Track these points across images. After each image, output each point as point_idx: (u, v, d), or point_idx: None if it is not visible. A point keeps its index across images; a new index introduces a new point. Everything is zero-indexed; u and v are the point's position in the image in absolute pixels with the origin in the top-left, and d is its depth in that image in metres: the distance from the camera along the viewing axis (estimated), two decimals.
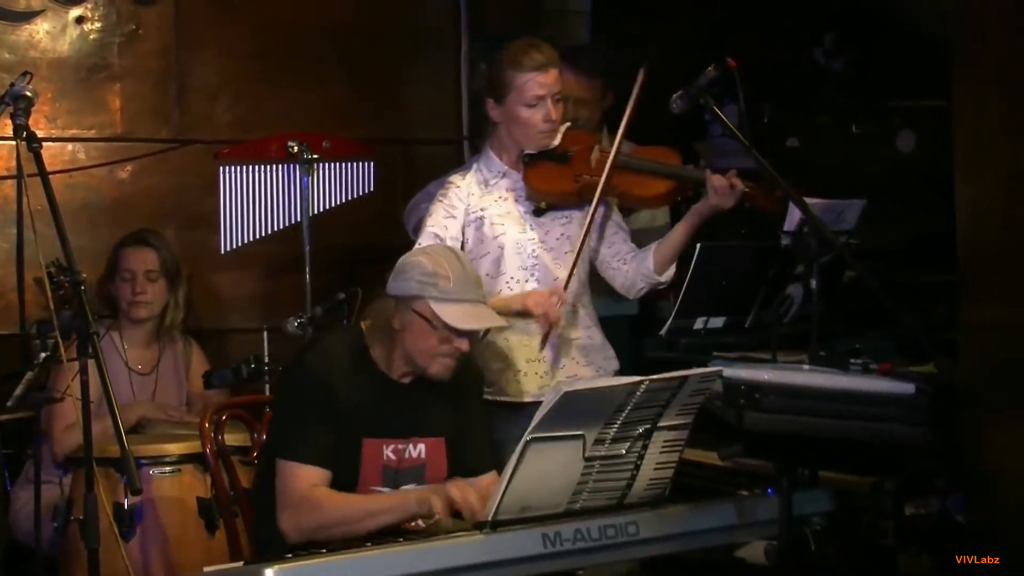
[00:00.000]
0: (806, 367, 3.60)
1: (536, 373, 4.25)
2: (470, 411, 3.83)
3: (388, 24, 6.19)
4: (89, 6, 5.66)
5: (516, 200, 4.30)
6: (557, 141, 4.29)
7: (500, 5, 6.47)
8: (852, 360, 3.56)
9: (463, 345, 3.63)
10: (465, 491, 3.48)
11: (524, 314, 4.14)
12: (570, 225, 4.31)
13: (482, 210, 4.28)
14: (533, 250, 4.27)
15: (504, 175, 4.33)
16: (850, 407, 3.46)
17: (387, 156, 5.81)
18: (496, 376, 4.26)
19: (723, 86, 4.07)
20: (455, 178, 4.34)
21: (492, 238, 4.26)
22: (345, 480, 3.61)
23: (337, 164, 5.29)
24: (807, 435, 3.56)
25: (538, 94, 4.19)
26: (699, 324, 3.93)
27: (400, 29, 6.23)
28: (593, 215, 4.20)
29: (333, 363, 3.64)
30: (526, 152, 4.27)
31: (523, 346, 4.25)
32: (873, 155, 5.64)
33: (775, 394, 3.50)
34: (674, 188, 4.23)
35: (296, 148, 5.13)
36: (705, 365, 3.57)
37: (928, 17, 5.34)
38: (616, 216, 4.36)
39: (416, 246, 4.16)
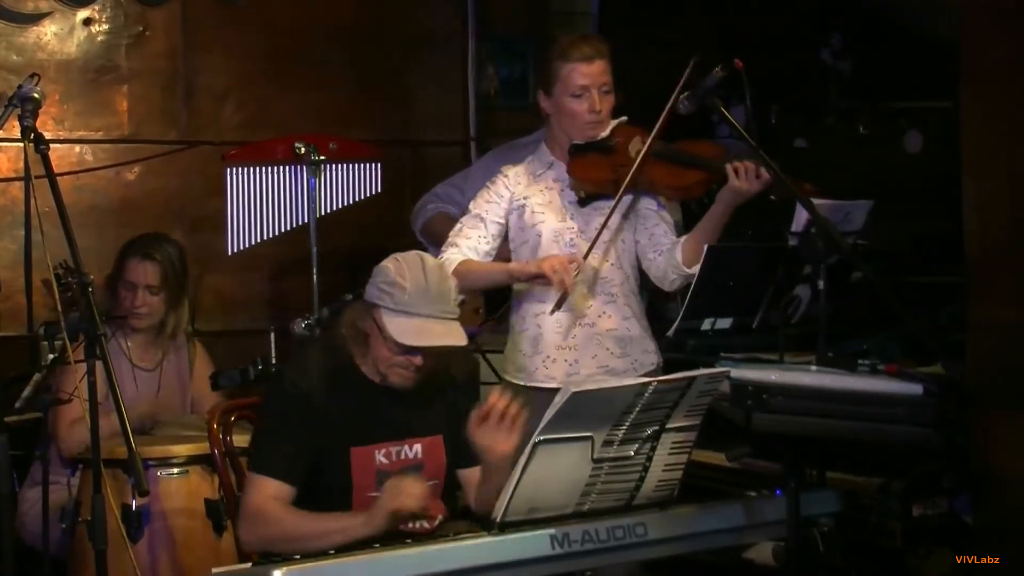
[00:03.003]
0: (813, 368, 3.60)
1: (565, 360, 4.27)
2: (464, 406, 3.79)
3: (395, 26, 6.21)
4: (96, 8, 5.67)
5: (561, 191, 4.34)
6: (606, 133, 4.29)
7: (507, 6, 6.49)
8: (859, 361, 3.55)
9: (415, 359, 3.56)
10: (403, 496, 3.42)
11: (539, 277, 4.13)
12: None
13: (525, 199, 4.34)
14: (571, 239, 4.29)
15: (551, 166, 4.37)
16: (858, 408, 3.46)
17: (394, 158, 5.82)
18: (526, 362, 4.31)
19: (730, 87, 4.07)
20: (505, 168, 4.42)
21: (531, 226, 4.31)
22: (337, 489, 3.60)
23: (344, 165, 5.29)
24: (815, 436, 3.56)
25: (582, 83, 4.22)
26: (706, 325, 3.93)
27: (407, 31, 6.24)
28: (619, 200, 4.20)
29: (313, 377, 3.62)
30: (573, 142, 4.29)
31: (555, 333, 4.28)
32: (880, 156, 5.64)
33: (782, 395, 3.50)
34: (705, 179, 4.22)
35: (303, 150, 5.12)
36: (712, 366, 3.56)
37: (934, 18, 5.35)
38: (658, 206, 4.35)
39: (452, 231, 4.34)
